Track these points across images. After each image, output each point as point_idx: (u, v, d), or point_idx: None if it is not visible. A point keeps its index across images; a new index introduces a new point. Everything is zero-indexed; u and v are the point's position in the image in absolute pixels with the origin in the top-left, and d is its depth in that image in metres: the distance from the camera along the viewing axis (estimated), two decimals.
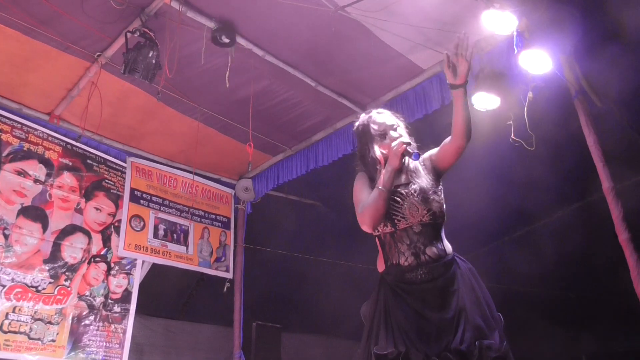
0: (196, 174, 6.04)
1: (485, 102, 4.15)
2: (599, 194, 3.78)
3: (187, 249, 5.84)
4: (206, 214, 6.16)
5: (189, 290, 7.21)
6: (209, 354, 7.22)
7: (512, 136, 4.08)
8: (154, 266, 5.67)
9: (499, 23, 3.75)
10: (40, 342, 4.56)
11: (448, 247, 2.28)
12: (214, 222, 6.21)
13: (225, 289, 6.05)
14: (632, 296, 3.36)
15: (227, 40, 4.24)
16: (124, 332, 5.18)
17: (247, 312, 6.13)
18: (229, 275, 6.12)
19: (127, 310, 5.27)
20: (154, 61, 4.12)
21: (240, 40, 4.38)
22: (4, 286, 4.44)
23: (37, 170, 4.90)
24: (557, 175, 5.45)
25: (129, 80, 4.61)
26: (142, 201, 5.62)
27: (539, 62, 3.75)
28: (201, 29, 4.24)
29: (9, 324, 4.41)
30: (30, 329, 4.53)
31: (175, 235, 5.80)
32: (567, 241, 6.19)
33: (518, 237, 7.18)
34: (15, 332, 4.43)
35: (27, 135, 4.90)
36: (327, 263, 7.28)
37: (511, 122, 4.08)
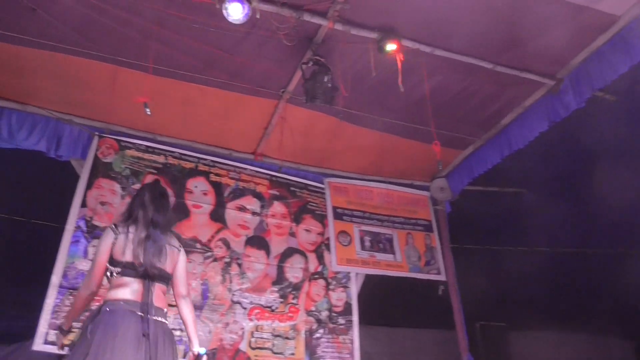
0: (389, 182, 6.14)
1: None
2: None
3: (394, 256, 5.94)
4: (406, 220, 6.20)
5: (404, 297, 7.29)
6: (435, 359, 7.17)
7: None
8: (367, 277, 5.88)
9: None
10: (282, 356, 5.08)
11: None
12: (416, 227, 6.22)
13: (440, 291, 5.96)
14: None
15: (392, 47, 4.27)
16: (352, 342, 5.45)
17: (467, 313, 5.93)
18: (442, 278, 6.02)
19: (350, 322, 5.55)
20: (329, 85, 4.34)
21: (405, 42, 4.36)
22: (245, 309, 5.09)
23: (253, 204, 5.56)
24: None
25: (312, 107, 4.94)
26: (344, 217, 5.93)
27: None
28: (366, 43, 4.35)
29: (255, 341, 5.02)
30: (273, 344, 5.08)
31: (381, 245, 5.95)
32: None
33: None
34: (261, 348, 5.02)
35: (239, 175, 5.62)
36: (545, 253, 6.67)
37: None
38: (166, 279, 2.93)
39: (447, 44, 4.47)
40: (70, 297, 4.25)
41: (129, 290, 2.75)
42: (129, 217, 2.94)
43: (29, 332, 4.40)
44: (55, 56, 4.39)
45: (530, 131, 5.10)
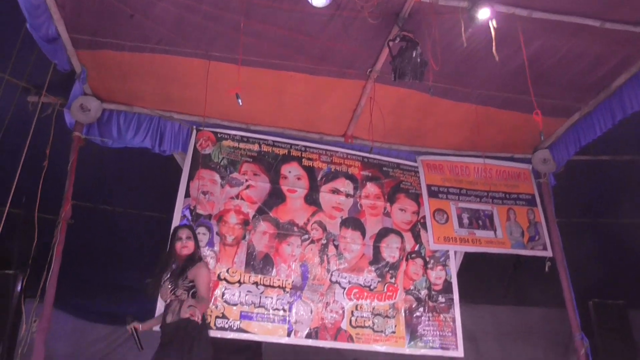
0: (486, 157, 5.90)
1: None
2: None
3: (495, 233, 5.72)
4: (507, 195, 5.92)
5: (507, 274, 7.01)
6: (544, 338, 6.85)
7: None
8: (467, 254, 5.71)
9: None
10: (383, 334, 5.12)
11: None
12: (518, 202, 5.92)
13: (546, 268, 5.66)
14: None
15: (485, 14, 4.02)
16: (454, 321, 5.35)
17: (579, 290, 5.58)
18: (548, 254, 5.71)
19: (451, 300, 5.44)
20: (419, 60, 4.20)
21: (498, 7, 4.09)
22: (344, 288, 5.17)
23: (345, 186, 5.58)
24: None
25: (401, 85, 4.83)
26: (440, 195, 5.78)
27: None
28: (456, 12, 4.14)
29: (355, 320, 5.09)
30: (373, 323, 5.13)
31: (480, 222, 5.76)
32: None
33: None
34: (362, 327, 5.09)
35: (331, 158, 5.66)
36: None
37: None
38: None
39: (546, 5, 4.15)
40: None
41: None
42: None
43: (149, 314, 4.81)
44: (154, 57, 4.66)
45: None
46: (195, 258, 3.84)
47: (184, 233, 3.88)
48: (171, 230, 4.29)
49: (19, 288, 4.76)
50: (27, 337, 4.18)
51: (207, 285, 3.76)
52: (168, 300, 3.72)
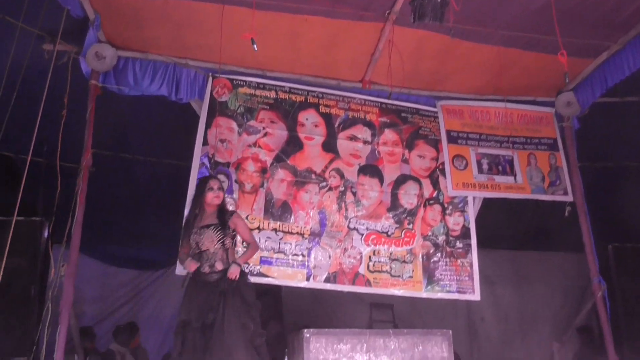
0: (508, 100, 5.75)
1: None
2: None
3: (515, 178, 5.66)
4: (528, 140, 5.81)
5: (527, 219, 6.98)
6: (563, 282, 6.90)
7: None
8: (487, 200, 5.68)
9: None
10: (400, 279, 5.20)
11: None
12: (539, 146, 5.81)
13: (566, 213, 5.61)
14: None
15: None
16: (471, 265, 5.39)
17: (598, 234, 5.53)
18: (569, 199, 5.65)
19: (469, 245, 5.46)
20: (439, 0, 4.04)
21: None
22: (362, 234, 5.23)
23: (363, 133, 5.54)
24: None
25: (420, 27, 4.66)
26: (459, 140, 5.70)
27: None
28: None
29: (373, 265, 5.17)
30: (390, 268, 5.20)
31: (500, 167, 5.70)
32: None
33: None
34: (379, 272, 5.17)
35: (348, 104, 5.58)
36: None
37: None
38: None
39: None
40: None
41: None
42: None
43: (171, 260, 4.94)
44: (167, 2, 4.54)
45: None
46: (226, 207, 4.11)
47: (215, 183, 4.04)
48: (196, 180, 4.54)
49: (45, 234, 4.90)
50: (56, 281, 4.34)
51: (250, 232, 4.24)
52: (212, 249, 3.87)
